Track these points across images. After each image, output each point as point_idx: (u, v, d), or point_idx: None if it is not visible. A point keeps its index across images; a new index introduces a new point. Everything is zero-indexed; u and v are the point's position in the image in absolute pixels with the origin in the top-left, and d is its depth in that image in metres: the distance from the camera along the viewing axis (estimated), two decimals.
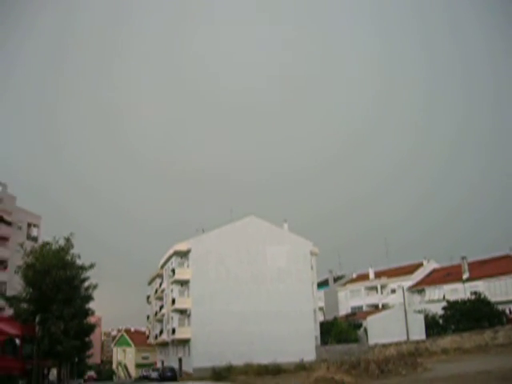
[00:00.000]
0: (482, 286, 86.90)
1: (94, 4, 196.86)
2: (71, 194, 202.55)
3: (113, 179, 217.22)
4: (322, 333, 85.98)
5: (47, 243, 52.33)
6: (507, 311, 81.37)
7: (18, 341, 42.70)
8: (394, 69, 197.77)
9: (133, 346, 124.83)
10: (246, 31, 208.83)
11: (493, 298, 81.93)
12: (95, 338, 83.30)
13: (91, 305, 57.87)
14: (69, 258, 51.36)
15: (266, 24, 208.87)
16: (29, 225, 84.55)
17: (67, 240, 51.47)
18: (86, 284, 54.83)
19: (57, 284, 48.07)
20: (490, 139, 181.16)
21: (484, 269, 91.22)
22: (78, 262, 52.69)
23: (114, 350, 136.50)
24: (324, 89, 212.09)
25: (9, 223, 79.83)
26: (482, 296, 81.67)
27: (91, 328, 60.17)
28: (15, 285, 53.96)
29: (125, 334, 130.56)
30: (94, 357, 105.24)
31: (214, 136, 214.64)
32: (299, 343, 76.87)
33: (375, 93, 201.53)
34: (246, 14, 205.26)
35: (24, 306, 49.04)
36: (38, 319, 45.53)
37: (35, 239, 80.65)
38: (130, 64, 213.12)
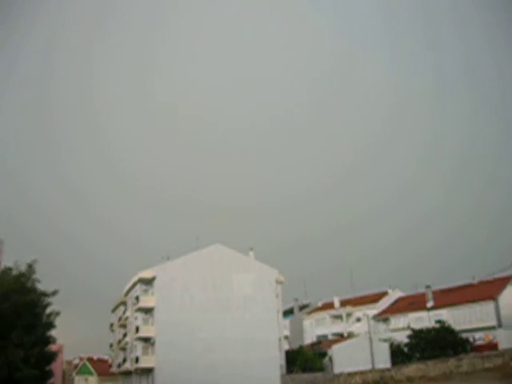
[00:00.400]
0: (446, 315, 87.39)
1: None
2: (34, 219, 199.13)
3: (74, 208, 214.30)
4: (287, 361, 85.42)
5: (8, 268, 51.41)
6: (471, 339, 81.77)
7: None
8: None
9: (95, 374, 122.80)
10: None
11: (457, 327, 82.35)
12: (56, 366, 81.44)
13: (53, 332, 56.83)
14: (30, 283, 50.43)
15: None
16: None
17: (29, 266, 50.61)
18: (48, 311, 53.84)
19: (17, 310, 47.07)
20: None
21: (448, 297, 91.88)
22: (40, 288, 51.81)
23: (76, 378, 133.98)
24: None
25: None
26: (447, 324, 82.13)
27: (52, 356, 58.89)
28: None
29: (87, 363, 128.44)
30: None
31: (180, 159, 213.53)
32: (264, 371, 76.31)
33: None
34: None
35: None
36: None
37: None
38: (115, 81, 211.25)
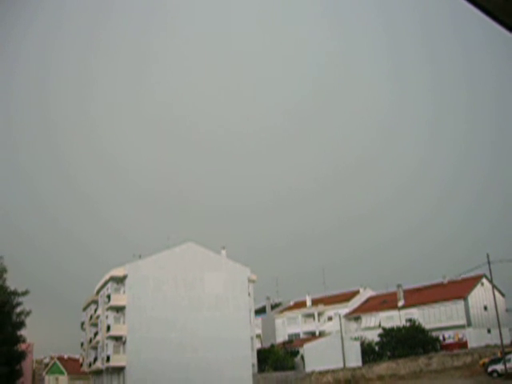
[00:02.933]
0: (417, 314, 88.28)
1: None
2: (2, 215, 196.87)
3: (48, 202, 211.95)
4: (259, 360, 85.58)
5: None
6: (441, 338, 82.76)
7: None
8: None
9: (66, 374, 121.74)
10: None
11: (427, 325, 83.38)
12: (26, 365, 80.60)
13: (23, 331, 56.33)
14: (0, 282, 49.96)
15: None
16: None
17: None
18: (18, 310, 53.33)
19: None
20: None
21: (418, 296, 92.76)
22: (10, 287, 51.32)
23: (46, 378, 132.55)
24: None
25: None
26: (417, 323, 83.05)
27: (22, 355, 58.37)
28: None
29: (57, 362, 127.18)
30: None
31: (156, 155, 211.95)
32: (236, 370, 76.33)
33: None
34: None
35: None
36: None
37: None
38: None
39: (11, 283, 52.23)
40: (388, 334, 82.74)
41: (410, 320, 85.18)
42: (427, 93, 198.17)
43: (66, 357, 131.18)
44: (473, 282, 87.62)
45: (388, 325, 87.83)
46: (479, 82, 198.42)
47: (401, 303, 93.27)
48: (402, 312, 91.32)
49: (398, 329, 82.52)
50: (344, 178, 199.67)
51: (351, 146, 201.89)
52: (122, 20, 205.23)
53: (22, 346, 62.42)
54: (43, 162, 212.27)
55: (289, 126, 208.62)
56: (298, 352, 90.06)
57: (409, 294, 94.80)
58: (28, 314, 54.00)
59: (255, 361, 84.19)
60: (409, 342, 78.59)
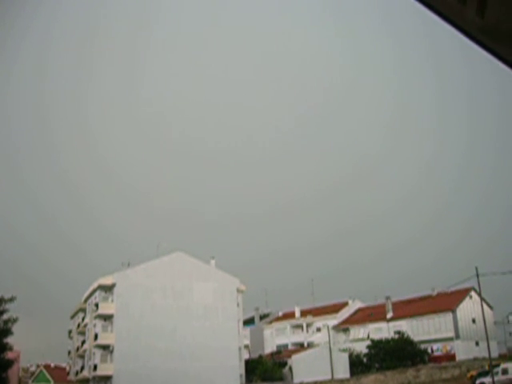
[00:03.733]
0: (405, 326, 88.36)
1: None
2: None
3: (41, 204, 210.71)
4: (247, 371, 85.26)
5: None
6: (429, 350, 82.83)
7: None
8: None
9: (52, 382, 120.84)
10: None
11: (415, 337, 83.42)
12: (12, 373, 79.83)
13: (10, 339, 55.88)
14: None
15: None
16: None
17: None
18: (5, 317, 52.93)
19: None
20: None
21: (407, 308, 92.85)
22: None
23: None
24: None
25: None
26: (405, 335, 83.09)
27: (8, 364, 57.89)
28: None
29: (44, 370, 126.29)
30: None
31: (151, 162, 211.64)
32: (224, 381, 76.08)
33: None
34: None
35: None
36: None
37: None
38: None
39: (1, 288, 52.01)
40: (376, 345, 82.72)
41: (398, 332, 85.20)
42: (431, 99, 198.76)
43: (52, 365, 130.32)
44: (461, 294, 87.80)
45: (376, 336, 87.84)
46: (483, 88, 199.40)
47: (389, 315, 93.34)
48: (391, 324, 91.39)
49: (387, 341, 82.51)
50: (334, 193, 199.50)
51: (347, 161, 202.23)
52: (118, 22, 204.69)
53: (9, 355, 61.90)
54: (38, 165, 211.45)
55: (286, 138, 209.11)
56: (286, 363, 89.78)
57: (397, 306, 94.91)
58: (15, 321, 53.70)
59: (243, 371, 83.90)
60: (397, 353, 78.57)
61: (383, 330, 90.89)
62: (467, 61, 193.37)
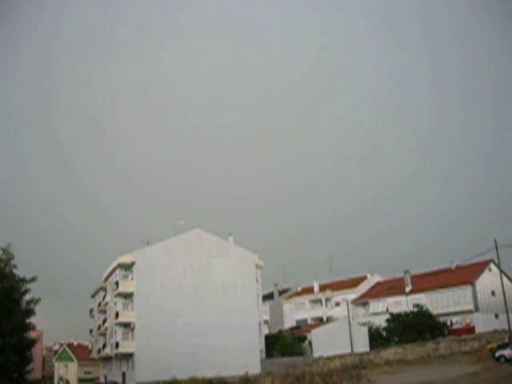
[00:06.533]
0: (424, 299, 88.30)
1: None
2: (16, 201, 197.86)
3: (54, 189, 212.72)
4: (267, 346, 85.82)
5: None
6: (448, 323, 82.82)
7: None
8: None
9: (75, 360, 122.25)
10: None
11: (434, 311, 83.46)
12: (36, 352, 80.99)
13: (32, 319, 56.47)
14: (7, 269, 50.08)
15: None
16: None
17: (3, 250, 50.24)
18: (28, 297, 53.43)
19: None
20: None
21: (426, 282, 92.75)
22: (19, 274, 51.47)
23: (56, 365, 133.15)
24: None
25: None
26: (424, 308, 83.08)
27: (31, 343, 58.53)
28: None
29: (67, 349, 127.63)
30: (35, 372, 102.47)
31: (163, 143, 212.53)
32: (244, 356, 76.54)
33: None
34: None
35: None
36: None
37: None
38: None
39: (22, 268, 52.49)
40: (395, 319, 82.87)
41: (417, 305, 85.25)
42: (424, 89, 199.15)
43: (75, 343, 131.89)
44: (480, 267, 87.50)
45: (395, 310, 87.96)
46: (477, 81, 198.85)
47: (408, 289, 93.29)
48: (410, 297, 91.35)
49: (406, 314, 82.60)
50: (349, 168, 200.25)
51: (355, 138, 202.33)
52: (129, 18, 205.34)
53: (32, 334, 62.64)
54: (46, 156, 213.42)
55: (294, 121, 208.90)
56: (305, 337, 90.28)
57: (416, 279, 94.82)
58: (37, 301, 54.09)
59: (263, 346, 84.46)
60: (416, 327, 78.70)
61: (402, 304, 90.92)
62: (462, 47, 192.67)
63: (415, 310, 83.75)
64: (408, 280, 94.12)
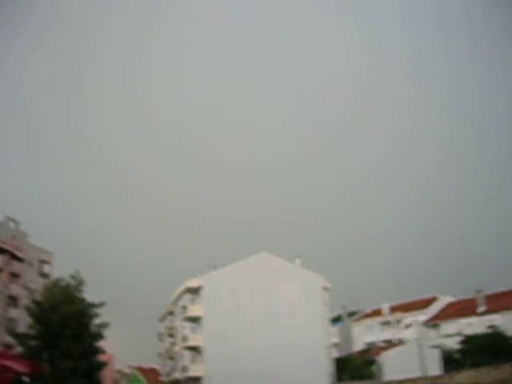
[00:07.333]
0: (500, 320, 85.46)
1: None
2: (81, 232, 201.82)
3: (116, 220, 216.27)
4: (336, 369, 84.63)
5: (57, 280, 52.41)
6: None
7: (26, 378, 42.26)
8: (412, 113, 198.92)
9: (145, 383, 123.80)
10: (254, 62, 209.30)
11: (510, 332, 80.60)
12: (107, 375, 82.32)
13: (103, 343, 57.20)
14: (78, 294, 51.16)
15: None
16: (41, 261, 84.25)
17: (72, 277, 51.45)
18: (97, 321, 54.26)
19: (64, 320, 47.70)
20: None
21: (501, 301, 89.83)
22: (88, 299, 52.46)
23: None
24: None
25: (21, 260, 79.44)
26: (499, 330, 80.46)
27: (101, 366, 59.24)
28: (26, 322, 53.74)
29: (137, 372, 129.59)
30: None
31: (221, 179, 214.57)
32: (313, 379, 75.78)
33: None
34: (252, 46, 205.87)
35: (32, 343, 48.60)
36: (45, 356, 45.07)
37: (47, 276, 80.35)
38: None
39: (91, 294, 53.49)
40: (469, 341, 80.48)
41: (491, 326, 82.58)
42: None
43: (145, 367, 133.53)
44: None
45: (468, 332, 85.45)
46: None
47: (481, 309, 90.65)
48: (483, 318, 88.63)
49: (480, 336, 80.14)
50: (406, 183, 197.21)
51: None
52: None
53: (103, 358, 63.44)
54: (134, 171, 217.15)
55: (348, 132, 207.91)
56: (375, 361, 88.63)
57: (491, 299, 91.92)
58: (106, 325, 54.83)
59: (332, 370, 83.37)
60: (490, 349, 76.14)
61: (474, 325, 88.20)
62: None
63: (489, 331, 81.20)
64: (481, 300, 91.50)
